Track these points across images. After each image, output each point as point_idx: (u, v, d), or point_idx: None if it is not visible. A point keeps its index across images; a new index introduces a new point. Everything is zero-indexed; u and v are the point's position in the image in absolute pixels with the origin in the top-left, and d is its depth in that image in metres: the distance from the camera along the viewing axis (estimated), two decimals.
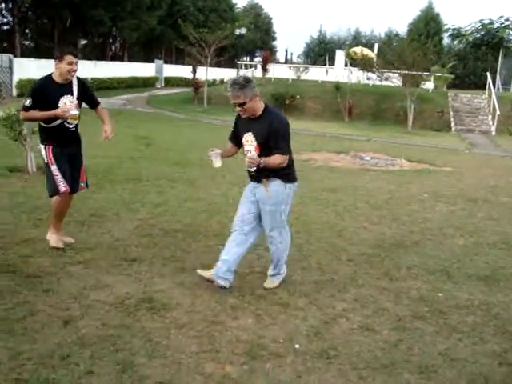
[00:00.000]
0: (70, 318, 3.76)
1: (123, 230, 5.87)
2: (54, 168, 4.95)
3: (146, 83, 39.46)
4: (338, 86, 25.10)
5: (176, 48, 46.72)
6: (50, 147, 4.96)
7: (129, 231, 5.84)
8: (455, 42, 46.37)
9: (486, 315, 4.24)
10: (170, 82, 44.06)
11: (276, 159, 4.21)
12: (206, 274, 4.40)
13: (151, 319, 3.83)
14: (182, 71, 41.82)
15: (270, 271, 4.62)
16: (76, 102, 4.95)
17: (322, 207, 7.50)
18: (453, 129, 23.50)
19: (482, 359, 3.54)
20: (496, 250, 5.98)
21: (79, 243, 5.33)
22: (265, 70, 30.75)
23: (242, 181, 6.91)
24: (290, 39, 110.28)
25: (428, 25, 52.87)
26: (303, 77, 30.18)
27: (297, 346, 3.57)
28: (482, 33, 40.80)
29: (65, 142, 5.00)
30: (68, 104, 4.87)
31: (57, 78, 4.88)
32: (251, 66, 37.01)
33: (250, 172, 4.40)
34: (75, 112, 4.90)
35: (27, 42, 47.01)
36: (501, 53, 33.97)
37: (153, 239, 5.61)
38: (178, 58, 54.10)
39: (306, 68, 32.44)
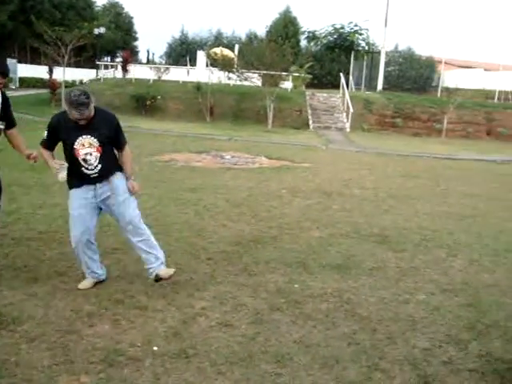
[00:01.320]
0: None
1: None
2: None
3: None
4: (199, 87, 25.22)
5: (31, 47, 44.21)
6: None
7: None
8: (311, 44, 48.57)
9: (338, 301, 4.48)
10: (26, 82, 41.66)
11: (129, 155, 4.50)
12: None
13: None
14: (39, 71, 39.71)
15: (158, 262, 4.48)
16: None
17: (182, 207, 7.50)
18: (311, 126, 24.58)
19: (334, 342, 3.74)
20: (348, 240, 6.34)
21: None
22: (125, 70, 30.10)
23: None
24: (151, 39, 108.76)
25: (286, 27, 54.74)
26: (164, 77, 29.95)
27: (155, 348, 3.53)
28: (335, 36, 43.31)
29: None
30: None
31: None
32: (112, 67, 36.01)
33: (88, 175, 4.27)
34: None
35: None
36: (352, 55, 36.12)
37: (3, 250, 5.27)
38: (34, 57, 51.25)
39: (167, 68, 32.21)
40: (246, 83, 26.69)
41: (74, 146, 4.19)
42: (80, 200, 4.33)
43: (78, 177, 4.27)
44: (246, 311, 4.19)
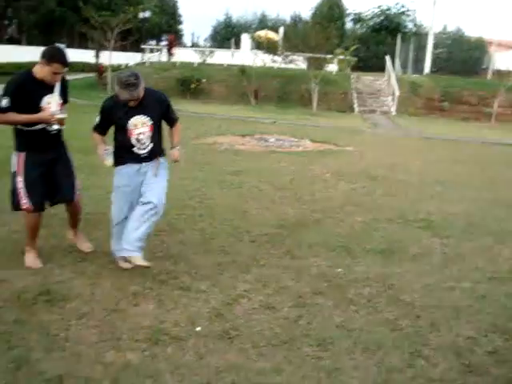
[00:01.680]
0: None
1: (22, 223, 5.62)
2: (18, 180, 4.33)
3: None
4: (243, 70, 25.19)
5: (79, 32, 44.97)
6: (23, 154, 4.33)
7: None
8: (357, 27, 47.85)
9: (381, 286, 4.44)
10: (74, 67, 42.36)
11: (179, 130, 4.67)
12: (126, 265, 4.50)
13: (49, 312, 3.72)
14: (86, 56, 40.41)
15: (139, 244, 4.34)
16: (60, 101, 4.38)
17: (226, 190, 7.55)
18: (356, 110, 24.28)
19: (376, 328, 3.73)
20: (392, 225, 6.27)
21: None
22: (170, 54, 30.30)
23: None
24: (196, 23, 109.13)
25: (331, 9, 53.99)
26: (209, 60, 30.04)
27: (198, 328, 3.59)
28: (381, 18, 42.57)
29: (44, 147, 4.39)
30: (52, 103, 4.28)
31: (38, 75, 4.23)
32: (157, 50, 36.28)
33: (138, 155, 4.36)
34: (62, 116, 4.31)
35: None
36: (399, 37, 35.35)
37: (53, 230, 5.41)
38: (82, 42, 52.09)
39: (212, 51, 32.25)
40: (290, 66, 26.51)
41: (127, 127, 4.28)
42: (125, 177, 4.41)
43: (126, 156, 4.35)
44: (288, 294, 4.20)
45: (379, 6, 42.70)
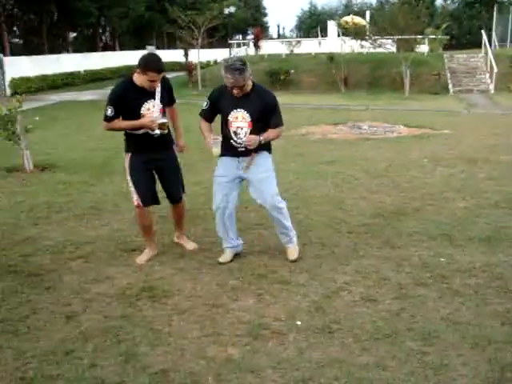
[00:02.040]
0: (72, 313, 3.77)
1: (122, 221, 5.86)
2: (128, 179, 4.62)
3: None
4: (331, 57, 24.87)
5: (167, 32, 46.40)
6: (129, 154, 4.58)
7: (128, 221, 5.82)
8: (448, 2, 45.90)
9: (489, 276, 4.21)
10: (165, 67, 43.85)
11: (276, 132, 4.45)
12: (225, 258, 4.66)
13: (152, 308, 3.83)
14: (175, 55, 41.57)
15: (290, 238, 4.65)
16: (161, 106, 4.48)
17: (320, 180, 7.46)
18: (451, 90, 23.28)
19: (485, 321, 3.53)
20: (497, 210, 5.94)
21: (79, 237, 5.34)
22: (257, 47, 30.47)
23: None
24: (281, 14, 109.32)
25: None
26: (296, 50, 29.91)
27: (298, 322, 3.56)
28: None
29: (149, 148, 4.53)
30: (152, 109, 4.42)
31: (138, 82, 4.38)
32: (244, 45, 36.62)
33: (235, 148, 4.39)
34: (163, 121, 4.43)
35: (16, 40, 46.71)
36: (495, 9, 33.45)
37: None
38: (170, 42, 53.72)
39: (299, 42, 32.09)
40: (379, 50, 25.84)
41: (228, 118, 4.34)
42: (223, 168, 4.50)
43: (226, 147, 4.40)
44: (389, 286, 4.08)
45: None
